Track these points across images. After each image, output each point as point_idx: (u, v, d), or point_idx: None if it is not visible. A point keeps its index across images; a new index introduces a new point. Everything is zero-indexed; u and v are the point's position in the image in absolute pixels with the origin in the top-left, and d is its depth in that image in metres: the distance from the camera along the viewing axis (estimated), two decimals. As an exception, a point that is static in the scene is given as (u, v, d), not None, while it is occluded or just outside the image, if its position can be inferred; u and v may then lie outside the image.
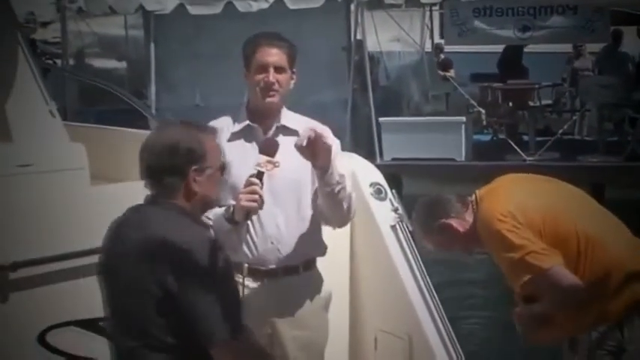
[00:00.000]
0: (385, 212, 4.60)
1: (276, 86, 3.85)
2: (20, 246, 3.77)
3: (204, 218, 3.37)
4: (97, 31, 17.34)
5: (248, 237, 3.81)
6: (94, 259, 3.91)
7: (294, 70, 3.98)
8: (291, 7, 14.13)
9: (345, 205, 3.87)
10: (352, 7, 14.44)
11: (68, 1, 15.67)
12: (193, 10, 14.37)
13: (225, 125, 3.93)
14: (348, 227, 4.67)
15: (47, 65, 12.26)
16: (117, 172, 5.60)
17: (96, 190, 4.76)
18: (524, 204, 3.66)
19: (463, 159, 13.60)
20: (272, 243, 3.84)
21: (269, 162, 3.59)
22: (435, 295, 4.48)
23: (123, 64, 17.50)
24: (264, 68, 3.83)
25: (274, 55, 3.85)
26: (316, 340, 3.99)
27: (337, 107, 13.81)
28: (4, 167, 4.92)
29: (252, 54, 3.86)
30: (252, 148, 3.84)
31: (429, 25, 17.64)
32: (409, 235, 4.58)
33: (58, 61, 16.23)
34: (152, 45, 14.79)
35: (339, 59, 14.60)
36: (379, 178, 4.74)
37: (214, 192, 3.20)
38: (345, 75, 14.16)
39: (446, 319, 4.43)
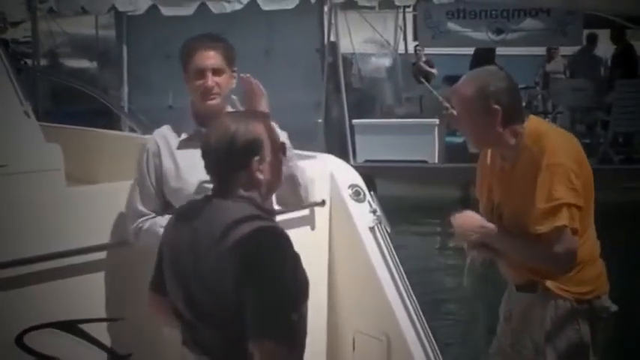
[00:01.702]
0: (363, 214, 4.61)
1: (216, 89, 3.83)
2: (-2, 247, 3.76)
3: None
4: (68, 30, 17.27)
5: None
6: (72, 260, 3.94)
7: (235, 69, 3.94)
8: (265, 8, 14.12)
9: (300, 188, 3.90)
10: (326, 8, 14.44)
11: (39, 1, 15.61)
12: (166, 11, 14.33)
13: (167, 135, 3.92)
14: (326, 228, 4.71)
15: (21, 65, 12.20)
16: (92, 173, 5.60)
17: (72, 191, 4.73)
18: (579, 162, 3.69)
19: (436, 161, 13.65)
20: None
21: None
22: (413, 296, 4.49)
23: (94, 65, 17.43)
24: (202, 72, 3.81)
25: (211, 57, 3.82)
26: None
27: (311, 109, 13.83)
28: (-21, 168, 4.91)
29: (189, 58, 3.83)
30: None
31: (403, 27, 17.69)
32: (387, 237, 4.60)
33: (29, 61, 16.15)
34: (124, 46, 14.73)
35: (313, 61, 14.63)
36: (357, 179, 4.74)
37: (278, 175, 3.21)
38: (319, 77, 14.17)
39: (424, 319, 4.45)
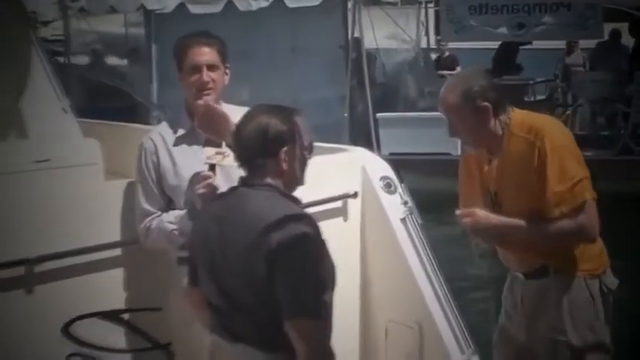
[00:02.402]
0: (395, 205, 4.62)
1: (211, 84, 3.81)
2: (41, 240, 3.79)
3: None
4: (97, 29, 17.30)
5: None
6: (112, 253, 3.98)
7: (228, 65, 3.93)
8: (290, 5, 14.10)
9: None
10: (349, 5, 14.41)
11: (70, 0, 15.67)
12: (194, 9, 14.27)
13: (163, 132, 3.90)
14: (358, 219, 4.72)
15: (58, 63, 12.26)
16: (129, 168, 5.63)
17: (110, 185, 4.77)
18: (573, 141, 3.77)
19: (459, 153, 13.58)
20: None
21: (218, 153, 3.62)
22: (445, 285, 4.50)
23: (124, 62, 17.47)
24: (197, 69, 3.79)
25: (206, 54, 3.81)
26: None
27: (336, 104, 13.82)
28: (22, 163, 4.95)
29: (184, 55, 3.81)
30: (200, 149, 3.80)
31: (425, 23, 17.65)
32: (418, 228, 4.61)
33: (60, 59, 16.20)
34: (153, 43, 14.77)
35: (337, 57, 14.60)
36: (389, 172, 4.76)
37: (302, 170, 3.23)
38: (343, 72, 14.11)
39: (455, 309, 4.46)
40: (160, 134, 3.89)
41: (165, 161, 3.84)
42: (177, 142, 3.86)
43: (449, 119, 3.83)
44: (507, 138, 3.78)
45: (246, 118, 3.18)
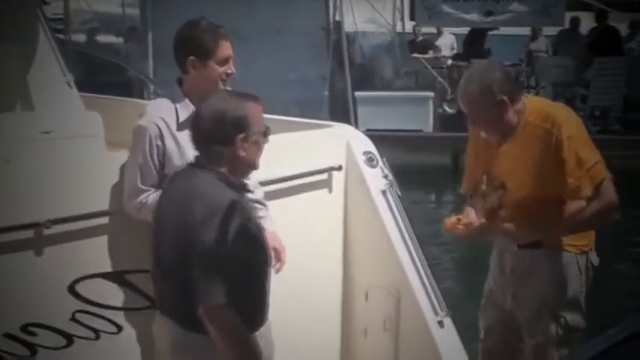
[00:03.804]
0: (376, 178, 4.60)
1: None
2: (48, 205, 3.77)
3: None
4: (95, 9, 17.18)
5: None
6: (115, 218, 3.96)
7: None
8: (277, -10, 14.13)
9: None
10: (332, -10, 14.44)
11: (70, -20, 15.56)
12: (186, -10, 14.32)
13: (165, 117, 3.78)
14: (342, 191, 4.71)
15: (59, 40, 12.14)
16: (127, 139, 5.60)
17: (111, 156, 4.74)
18: (584, 128, 3.81)
19: (431, 130, 13.67)
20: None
21: None
22: (421, 252, 4.51)
23: (119, 40, 17.34)
24: (226, 60, 3.76)
25: (230, 48, 3.80)
26: None
27: (317, 82, 13.80)
28: (29, 133, 4.93)
29: (215, 47, 3.73)
30: None
31: (401, 8, 17.61)
32: (398, 199, 4.61)
33: (60, 37, 16.06)
34: (149, 22, 14.67)
35: (319, 39, 14.56)
36: (371, 147, 4.74)
37: (258, 156, 3.20)
38: (325, 53, 14.12)
39: (430, 273, 4.47)
40: (163, 119, 3.77)
41: (171, 144, 3.75)
42: (181, 127, 3.74)
43: (468, 111, 3.82)
44: (523, 125, 3.76)
45: (204, 107, 3.13)
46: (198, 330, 3.04)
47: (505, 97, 3.71)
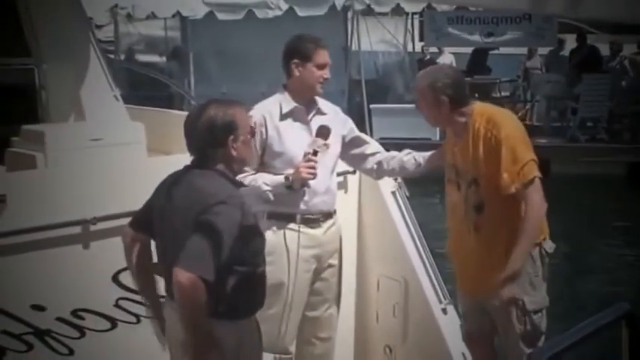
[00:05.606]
0: (387, 180, 4.58)
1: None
2: (96, 204, 3.78)
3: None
4: (141, 32, 17.27)
5: (305, 196, 3.90)
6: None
7: None
8: (300, 14, 14.21)
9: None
10: (349, 15, 14.49)
11: (119, 7, 15.68)
12: (221, 16, 14.43)
13: (271, 110, 3.93)
14: (357, 192, 4.70)
15: (109, 59, 12.22)
16: (168, 147, 5.60)
17: (152, 161, 4.75)
18: (523, 130, 3.77)
19: (437, 138, 13.62)
20: (321, 199, 3.97)
21: (324, 144, 3.79)
22: (427, 247, 4.48)
23: (163, 59, 17.43)
24: (323, 66, 3.89)
25: (327, 57, 3.93)
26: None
27: (337, 96, 13.77)
28: (80, 141, 4.95)
29: (314, 53, 3.87)
30: (299, 126, 3.94)
31: (411, 30, 17.56)
32: (406, 199, 4.59)
33: (110, 56, 16.16)
34: (189, 44, 14.79)
35: (339, 57, 14.56)
36: (383, 153, 4.70)
37: (248, 153, 3.18)
38: (344, 70, 14.10)
39: (435, 266, 4.44)
40: (269, 111, 3.92)
41: (272, 132, 3.90)
42: (283, 117, 3.92)
43: (416, 99, 3.86)
44: (469, 126, 3.75)
45: (195, 114, 3.06)
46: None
47: (446, 98, 3.70)
